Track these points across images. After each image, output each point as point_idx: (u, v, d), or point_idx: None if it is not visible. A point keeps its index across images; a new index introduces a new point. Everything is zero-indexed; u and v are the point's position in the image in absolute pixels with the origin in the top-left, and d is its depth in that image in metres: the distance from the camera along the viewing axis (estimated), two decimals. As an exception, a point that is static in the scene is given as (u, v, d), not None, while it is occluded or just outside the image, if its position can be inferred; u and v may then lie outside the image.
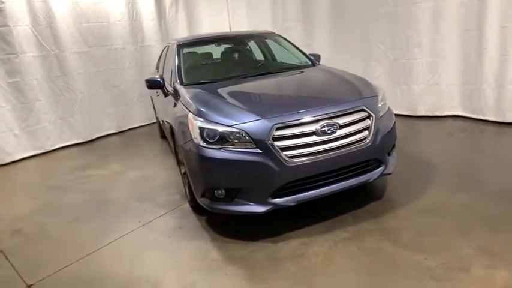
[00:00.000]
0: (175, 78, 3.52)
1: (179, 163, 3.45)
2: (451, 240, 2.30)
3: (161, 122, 4.80)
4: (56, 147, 5.61)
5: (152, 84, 3.68)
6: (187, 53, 3.93)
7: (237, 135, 2.44)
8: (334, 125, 2.48)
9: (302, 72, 3.51)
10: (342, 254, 2.32)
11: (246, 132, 2.41)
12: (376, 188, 3.10)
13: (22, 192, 4.14)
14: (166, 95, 3.66)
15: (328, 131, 2.46)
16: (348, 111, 2.57)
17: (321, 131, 2.44)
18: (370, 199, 2.94)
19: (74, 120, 5.75)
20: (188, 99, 2.92)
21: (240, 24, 6.60)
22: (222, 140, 2.47)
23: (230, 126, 2.47)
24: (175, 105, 3.24)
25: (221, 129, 2.47)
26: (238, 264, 2.34)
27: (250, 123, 2.45)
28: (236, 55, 4.24)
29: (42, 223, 3.30)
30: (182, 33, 6.96)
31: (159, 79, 3.63)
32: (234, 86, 3.20)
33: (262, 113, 2.50)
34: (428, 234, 2.40)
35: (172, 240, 2.74)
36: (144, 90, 6.49)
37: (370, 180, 2.68)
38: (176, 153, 3.48)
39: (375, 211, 2.76)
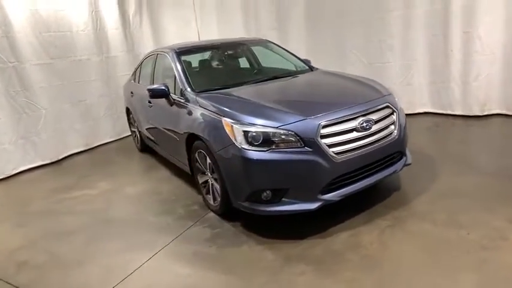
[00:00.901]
0: (183, 86, 3.48)
1: (195, 173, 3.40)
2: (480, 216, 2.63)
3: (147, 134, 4.64)
4: (18, 170, 5.07)
5: (157, 93, 3.59)
6: (187, 60, 3.90)
7: (284, 135, 2.52)
8: (370, 121, 2.69)
9: (311, 75, 3.71)
10: (393, 239, 2.51)
11: (294, 132, 2.51)
12: (391, 180, 3.38)
13: (0, 221, 3.70)
14: (172, 104, 3.58)
15: (367, 127, 2.66)
16: (378, 108, 2.82)
17: (360, 127, 2.64)
18: (391, 190, 3.20)
19: (39, 139, 5.26)
20: (217, 105, 2.93)
21: (210, 33, 6.63)
22: (268, 141, 2.54)
23: (276, 127, 2.55)
24: (190, 113, 3.21)
25: (267, 131, 2.54)
26: (299, 262, 2.41)
27: (297, 123, 2.55)
28: (236, 62, 4.30)
29: (49, 251, 3.01)
30: (147, 43, 6.79)
31: (164, 88, 3.55)
32: (254, 91, 3.28)
33: (305, 113, 2.62)
34: (459, 213, 2.71)
35: (216, 249, 2.71)
36: (111, 103, 6.21)
37: (396, 172, 2.94)
38: (191, 163, 3.42)
39: (401, 200, 3.02)
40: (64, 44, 5.51)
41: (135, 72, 5.32)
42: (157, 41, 6.90)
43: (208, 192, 3.28)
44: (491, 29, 4.48)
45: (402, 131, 2.93)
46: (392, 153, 2.90)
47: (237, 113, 2.72)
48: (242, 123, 2.62)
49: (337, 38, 5.48)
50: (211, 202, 3.22)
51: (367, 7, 5.18)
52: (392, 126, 2.88)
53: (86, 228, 3.31)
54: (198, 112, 3.10)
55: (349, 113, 2.66)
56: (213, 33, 6.62)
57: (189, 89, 3.42)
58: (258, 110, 2.76)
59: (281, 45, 4.44)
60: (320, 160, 2.49)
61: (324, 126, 2.55)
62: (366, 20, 5.22)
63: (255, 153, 2.53)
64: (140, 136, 5.18)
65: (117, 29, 6.25)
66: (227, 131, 2.68)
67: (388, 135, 2.82)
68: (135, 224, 3.26)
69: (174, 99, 3.55)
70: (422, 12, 4.86)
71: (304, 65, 4.11)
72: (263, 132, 2.55)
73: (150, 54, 4.84)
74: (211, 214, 3.22)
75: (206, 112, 2.98)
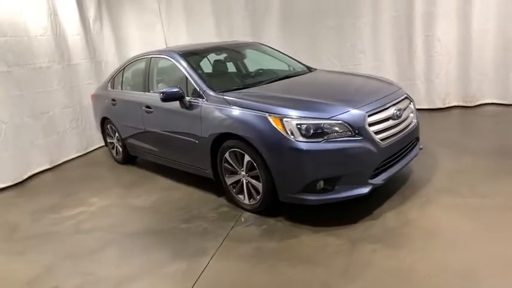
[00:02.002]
0: (201, 87, 3.45)
1: (221, 175, 3.37)
2: (494, 185, 3.10)
3: (138, 143, 4.41)
4: (-24, 195, 4.44)
5: (171, 96, 3.49)
6: (194, 63, 3.85)
7: (336, 126, 2.70)
8: (400, 109, 3.01)
9: (319, 73, 3.97)
10: (435, 212, 2.83)
11: (345, 122, 2.70)
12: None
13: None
14: (187, 106, 3.51)
15: (399, 115, 2.97)
16: (402, 99, 3.16)
17: (395, 115, 2.94)
18: (405, 174, 3.55)
19: (-1, 158, 4.66)
20: (256, 102, 3.00)
21: (179, 39, 6.53)
22: (321, 133, 2.69)
23: (328, 118, 2.71)
24: (217, 114, 3.19)
25: (320, 122, 2.69)
26: (364, 242, 2.58)
27: (346, 114, 2.75)
28: (240, 63, 4.35)
29: (80, 271, 2.74)
30: (109, 49, 6.46)
31: (179, 90, 3.47)
32: (279, 88, 3.42)
33: (350, 104, 2.84)
34: (475, 185, 3.15)
35: (276, 243, 2.74)
36: (76, 115, 5.74)
37: (416, 155, 3.31)
38: (214, 166, 3.39)
39: (421, 180, 3.37)
40: (22, 50, 4.99)
41: (112, 79, 5.03)
42: (119, 48, 6.60)
43: (240, 192, 3.28)
44: (447, 32, 5.24)
45: (417, 119, 3.32)
46: (414, 138, 3.26)
47: (284, 108, 2.82)
48: (292, 117, 2.73)
49: (311, 43, 5.85)
50: (246, 201, 3.23)
51: (339, 14, 5.65)
52: (412, 115, 3.25)
53: (111, 244, 3.07)
54: (231, 112, 3.10)
55: (384, 103, 2.95)
56: (181, 39, 6.54)
57: (209, 90, 3.40)
58: (302, 104, 2.90)
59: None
60: (370, 146, 2.72)
61: (369, 116, 2.79)
62: (339, 25, 5.68)
63: (310, 145, 2.66)
64: (123, 147, 4.89)
65: (78, 34, 5.84)
66: (276, 126, 2.76)
67: (410, 122, 3.18)
68: (169, 233, 3.12)
69: (190, 102, 3.49)
70: (388, 19, 5.47)
71: (301, 65, 4.34)
72: (316, 124, 2.69)
73: (136, 59, 4.64)
74: (247, 213, 3.23)
75: (244, 110, 3.01)
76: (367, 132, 2.73)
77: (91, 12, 6.13)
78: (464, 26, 5.16)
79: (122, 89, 4.87)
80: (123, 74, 4.86)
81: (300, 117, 2.73)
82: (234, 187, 3.33)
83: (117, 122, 4.82)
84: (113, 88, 5.01)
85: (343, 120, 2.71)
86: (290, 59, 4.45)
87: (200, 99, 3.43)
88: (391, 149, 2.89)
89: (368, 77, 3.72)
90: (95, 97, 5.45)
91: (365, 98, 2.99)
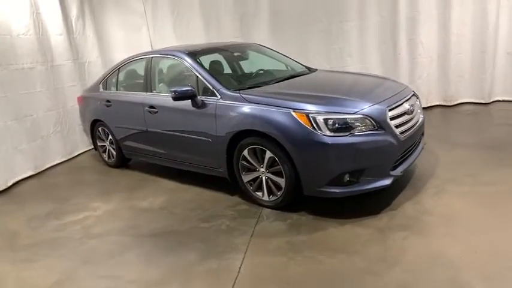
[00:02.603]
0: (214, 86, 3.44)
1: (238, 172, 3.36)
2: (495, 174, 3.35)
3: (138, 145, 4.29)
4: (-39, 205, 4.09)
5: (183, 95, 3.45)
6: (203, 62, 3.83)
7: (361, 120, 2.81)
8: (413, 105, 3.19)
9: (325, 73, 4.11)
10: (449, 201, 3.00)
11: (370, 117, 2.82)
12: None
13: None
14: (199, 105, 3.48)
15: (413, 110, 3.15)
16: (411, 95, 3.34)
17: (409, 110, 3.10)
18: (412, 166, 3.72)
19: (-17, 164, 4.34)
20: (278, 99, 3.06)
21: (166, 41, 6.42)
22: (347, 127, 2.78)
23: (353, 113, 2.82)
24: (236, 111, 3.20)
25: (346, 117, 2.79)
26: (393, 230, 2.69)
27: (369, 109, 2.87)
28: (246, 63, 4.36)
29: (109, 275, 2.63)
30: (92, 51, 6.21)
31: (192, 88, 3.44)
32: (295, 86, 3.53)
33: (371, 100, 2.97)
34: (478, 175, 3.38)
35: (306, 236, 2.79)
36: (60, 118, 5.47)
37: (423, 148, 3.50)
38: (229, 164, 3.39)
39: (426, 172, 3.55)
40: (4, 50, 4.70)
41: (105, 80, 4.86)
42: (103, 49, 6.36)
43: (258, 189, 3.30)
44: (429, 36, 5.60)
45: (423, 114, 3.53)
46: (421, 133, 3.46)
47: (308, 103, 2.90)
48: (319, 113, 2.81)
49: (300, 45, 5.99)
50: (265, 197, 3.25)
51: (327, 18, 5.84)
52: (419, 110, 3.45)
53: (130, 248, 2.96)
54: (251, 109, 3.13)
55: (399, 99, 3.11)
56: (168, 41, 6.43)
57: (224, 89, 3.40)
58: (325, 100, 3.00)
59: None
60: (391, 139, 2.85)
61: (389, 110, 2.93)
62: (327, 29, 5.88)
63: (338, 139, 2.75)
64: (118, 149, 4.72)
65: (61, 34, 5.58)
66: (301, 121, 2.83)
67: (419, 118, 3.37)
68: (189, 233, 3.06)
69: (202, 100, 3.47)
70: (374, 23, 5.75)
71: (301, 66, 4.46)
72: (343, 119, 2.79)
73: (132, 59, 4.54)
74: (267, 210, 3.25)
75: (265, 107, 3.04)
76: (389, 126, 2.87)
77: (73, 11, 5.86)
78: (444, 30, 5.54)
79: (117, 90, 4.72)
80: (118, 75, 4.71)
81: (327, 112, 2.81)
82: (251, 184, 3.34)
83: (112, 124, 4.65)
84: (106, 89, 4.84)
85: (367, 114, 2.83)
86: (291, 60, 4.55)
87: (214, 98, 3.41)
88: (407, 142, 3.05)
89: (376, 75, 3.90)
90: (83, 99, 5.23)
91: (382, 94, 3.14)
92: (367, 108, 2.87)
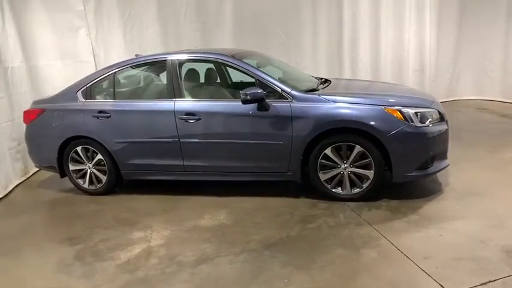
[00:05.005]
0: (284, 88, 3.51)
1: (315, 172, 3.49)
2: (498, 148, 4.53)
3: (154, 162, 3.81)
4: None
5: (255, 97, 3.39)
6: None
7: (435, 113, 3.44)
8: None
9: (351, 81, 4.73)
10: (469, 172, 3.92)
11: (438, 110, 3.49)
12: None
13: None
14: (267, 108, 3.47)
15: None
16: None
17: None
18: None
19: None
20: (366, 97, 3.47)
21: (111, 47, 5.69)
22: (427, 119, 3.37)
23: (429, 107, 3.43)
24: (319, 111, 3.38)
25: (428, 111, 3.39)
26: (472, 196, 3.41)
27: (434, 103, 3.55)
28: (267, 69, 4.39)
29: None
30: (15, 52, 4.96)
31: (262, 90, 3.42)
32: (351, 88, 3.92)
33: (428, 97, 3.69)
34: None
35: (421, 212, 3.21)
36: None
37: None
38: (305, 162, 3.49)
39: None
40: None
41: (87, 87, 4.07)
42: (27, 52, 5.13)
43: (338, 185, 3.51)
44: (365, 54, 6.86)
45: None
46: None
47: (400, 100, 3.45)
48: (409, 107, 3.31)
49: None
50: (348, 191, 3.48)
51: (286, 34, 6.43)
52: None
53: (264, 261, 2.73)
54: (340, 108, 3.37)
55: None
56: (115, 47, 5.74)
57: (295, 91, 3.51)
58: (404, 98, 3.59)
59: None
60: (448, 128, 3.59)
61: (439, 108, 3.70)
62: (286, 43, 6.44)
63: (426, 129, 3.31)
64: (113, 171, 3.99)
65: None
66: (395, 116, 3.26)
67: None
68: (309, 235, 3.03)
69: (271, 103, 3.48)
70: (324, 41, 6.65)
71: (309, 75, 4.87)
72: (426, 112, 3.36)
73: (135, 63, 4.05)
74: (351, 203, 3.46)
75: (355, 106, 3.35)
76: (445, 118, 3.61)
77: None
78: (375, 49, 6.90)
79: (114, 98, 4.03)
80: (114, 81, 4.03)
81: (414, 107, 3.34)
82: (329, 182, 3.52)
83: (109, 139, 3.92)
84: (93, 98, 4.05)
85: (437, 108, 3.50)
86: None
87: (285, 100, 3.47)
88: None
89: (388, 83, 4.70)
90: (43, 113, 4.18)
91: (423, 93, 3.89)
92: (434, 103, 3.55)
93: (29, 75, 5.16)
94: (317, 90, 3.73)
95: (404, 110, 3.29)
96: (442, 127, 3.46)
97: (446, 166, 3.57)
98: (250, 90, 3.38)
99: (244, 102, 3.40)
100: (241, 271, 2.65)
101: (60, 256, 3.01)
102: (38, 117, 4.20)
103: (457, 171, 3.90)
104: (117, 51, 5.75)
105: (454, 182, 3.75)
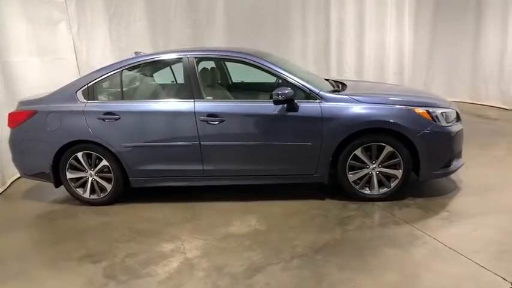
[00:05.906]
0: (311, 88, 3.48)
1: (343, 173, 3.49)
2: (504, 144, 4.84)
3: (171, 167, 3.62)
4: None
5: (287, 97, 3.33)
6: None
7: (454, 113, 3.60)
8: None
9: (366, 83, 4.77)
10: (482, 169, 4.19)
11: (456, 111, 3.66)
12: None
13: None
14: (295, 109, 3.42)
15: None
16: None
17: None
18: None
19: None
20: (395, 99, 3.54)
21: (95, 44, 5.26)
22: (449, 119, 3.53)
23: (449, 108, 3.59)
24: (349, 111, 3.40)
25: (449, 111, 3.53)
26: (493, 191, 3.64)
27: (452, 104, 3.71)
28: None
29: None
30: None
31: (292, 90, 3.36)
32: (375, 89, 4.01)
33: (443, 98, 3.84)
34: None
35: (447, 211, 3.33)
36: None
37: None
38: (334, 163, 3.49)
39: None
40: None
41: (90, 87, 3.72)
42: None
43: (366, 185, 3.55)
44: (351, 56, 7.06)
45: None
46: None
47: (424, 101, 3.55)
48: (436, 108, 3.44)
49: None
50: (376, 191, 3.53)
51: (276, 34, 6.42)
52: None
53: (319, 266, 2.66)
54: (372, 109, 3.41)
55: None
56: (99, 43, 5.34)
57: (323, 91, 3.50)
58: (428, 99, 3.69)
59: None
60: (463, 129, 3.79)
61: (454, 109, 3.89)
62: (276, 44, 6.42)
63: (451, 128, 3.45)
64: (121, 178, 3.69)
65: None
66: (423, 116, 3.37)
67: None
68: (353, 236, 3.03)
69: (300, 104, 3.43)
70: (312, 43, 6.74)
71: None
72: (448, 112, 3.50)
73: (144, 61, 3.77)
74: (382, 203, 3.49)
75: (385, 106, 3.42)
76: (460, 117, 3.80)
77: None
78: (359, 53, 7.13)
79: (122, 98, 3.72)
80: (121, 80, 3.72)
81: (439, 107, 3.47)
82: (357, 183, 3.55)
83: (118, 143, 3.61)
84: (96, 99, 3.71)
85: (455, 109, 3.67)
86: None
87: (314, 101, 3.44)
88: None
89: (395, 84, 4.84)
90: (35, 115, 3.76)
91: (432, 94, 4.08)
92: (451, 103, 3.73)
93: (1, 72, 4.60)
94: (338, 91, 3.74)
95: (432, 110, 3.41)
96: (460, 127, 3.64)
97: (462, 165, 3.75)
98: (282, 90, 3.30)
99: (277, 102, 3.32)
100: (299, 278, 2.56)
101: (87, 276, 2.70)
102: (27, 120, 3.75)
103: (463, 168, 4.13)
104: (101, 48, 5.35)
105: (465, 179, 3.95)
